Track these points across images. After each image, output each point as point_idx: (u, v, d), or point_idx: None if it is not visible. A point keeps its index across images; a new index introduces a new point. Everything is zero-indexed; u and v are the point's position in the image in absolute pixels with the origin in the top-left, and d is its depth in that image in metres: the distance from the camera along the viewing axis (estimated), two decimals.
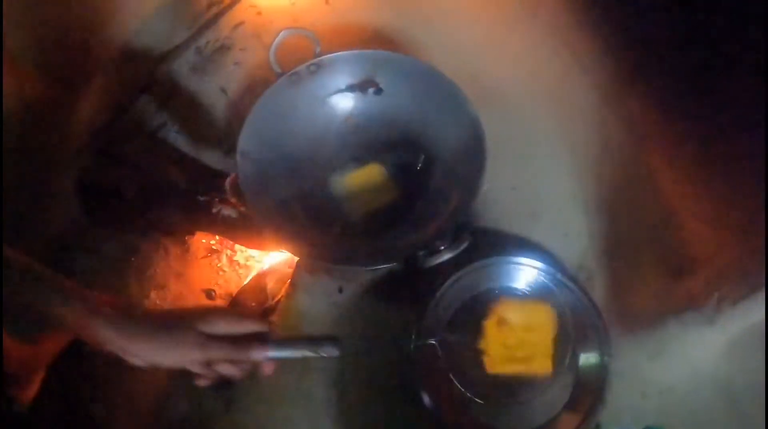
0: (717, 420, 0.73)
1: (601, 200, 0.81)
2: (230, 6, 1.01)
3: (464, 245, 0.69)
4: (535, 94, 0.88)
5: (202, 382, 0.55)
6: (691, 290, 0.74)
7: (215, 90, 0.95)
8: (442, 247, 0.70)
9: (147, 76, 0.98)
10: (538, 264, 0.76)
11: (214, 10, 1.03)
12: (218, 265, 0.89)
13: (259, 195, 0.76)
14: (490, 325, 0.73)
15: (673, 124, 0.76)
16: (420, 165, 0.80)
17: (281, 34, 0.78)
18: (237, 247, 0.91)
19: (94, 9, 0.95)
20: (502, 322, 0.73)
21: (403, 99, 0.83)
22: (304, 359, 0.59)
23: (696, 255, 0.75)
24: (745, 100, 0.65)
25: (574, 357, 0.75)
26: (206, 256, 0.90)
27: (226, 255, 0.90)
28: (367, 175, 0.83)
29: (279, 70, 0.79)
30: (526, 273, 0.76)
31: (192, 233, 0.88)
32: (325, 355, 0.58)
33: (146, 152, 0.93)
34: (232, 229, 0.85)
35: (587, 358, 0.75)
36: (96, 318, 0.49)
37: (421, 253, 0.71)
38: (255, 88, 0.92)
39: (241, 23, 1.00)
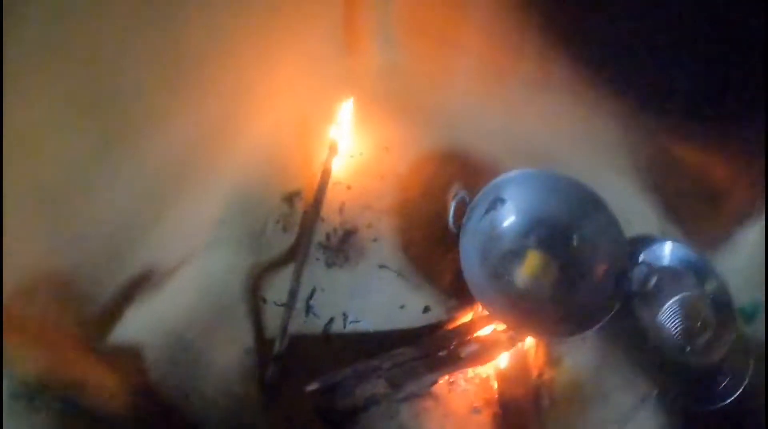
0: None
1: (658, 191, 1.22)
2: (320, 194, 1.13)
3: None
4: (575, 145, 1.23)
5: None
6: (726, 210, 1.20)
7: (373, 269, 1.10)
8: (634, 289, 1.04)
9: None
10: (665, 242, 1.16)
11: (299, 203, 1.15)
12: (460, 388, 1.10)
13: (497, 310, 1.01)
14: None
15: (674, 125, 1.18)
16: (575, 242, 1.12)
17: (452, 204, 0.99)
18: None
19: None
20: None
21: (528, 201, 1.12)
22: None
23: (722, 190, 1.20)
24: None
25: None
26: (448, 388, 1.09)
27: (460, 378, 1.10)
28: (532, 261, 1.12)
29: (456, 230, 1.01)
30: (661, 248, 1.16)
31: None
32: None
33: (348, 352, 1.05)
34: (473, 359, 1.06)
35: (711, 283, 1.18)
36: None
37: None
38: (408, 247, 1.11)
39: (343, 204, 1.14)
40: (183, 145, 1.01)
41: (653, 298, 1.08)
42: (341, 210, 1.14)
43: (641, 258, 1.12)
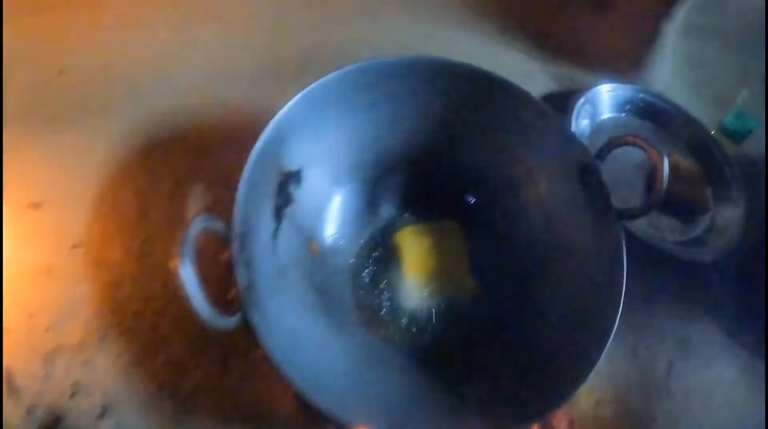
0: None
1: (526, 22, 0.76)
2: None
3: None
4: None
5: None
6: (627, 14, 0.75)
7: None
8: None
9: None
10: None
11: None
12: None
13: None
14: None
15: None
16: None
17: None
18: None
19: None
20: None
21: (346, 147, 0.52)
22: None
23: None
24: None
25: None
26: None
27: None
28: (410, 248, 0.54)
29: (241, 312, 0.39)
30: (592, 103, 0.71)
31: None
32: None
33: None
34: None
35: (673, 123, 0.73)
36: None
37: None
38: (173, 390, 0.47)
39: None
40: None
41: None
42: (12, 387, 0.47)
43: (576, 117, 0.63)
